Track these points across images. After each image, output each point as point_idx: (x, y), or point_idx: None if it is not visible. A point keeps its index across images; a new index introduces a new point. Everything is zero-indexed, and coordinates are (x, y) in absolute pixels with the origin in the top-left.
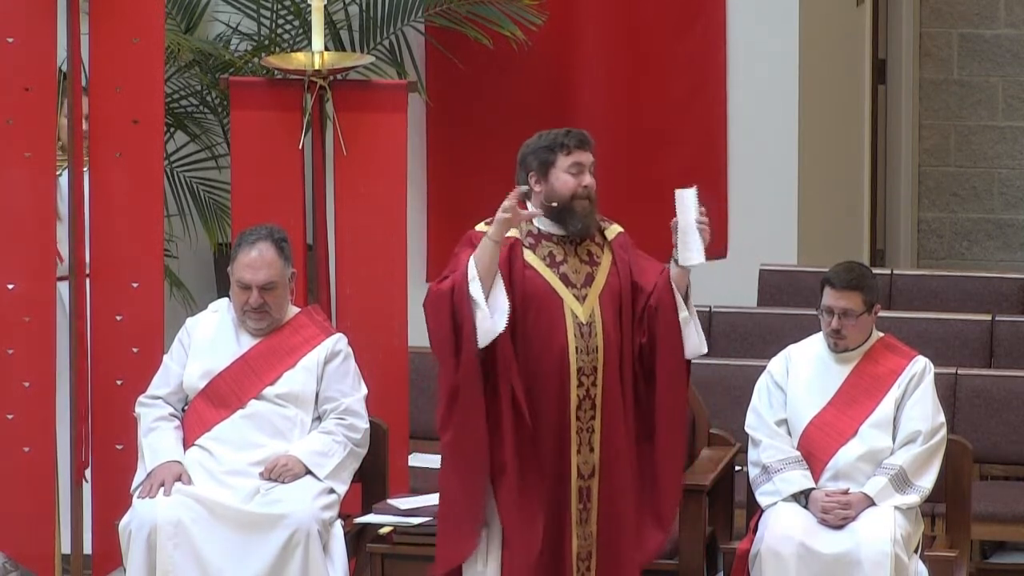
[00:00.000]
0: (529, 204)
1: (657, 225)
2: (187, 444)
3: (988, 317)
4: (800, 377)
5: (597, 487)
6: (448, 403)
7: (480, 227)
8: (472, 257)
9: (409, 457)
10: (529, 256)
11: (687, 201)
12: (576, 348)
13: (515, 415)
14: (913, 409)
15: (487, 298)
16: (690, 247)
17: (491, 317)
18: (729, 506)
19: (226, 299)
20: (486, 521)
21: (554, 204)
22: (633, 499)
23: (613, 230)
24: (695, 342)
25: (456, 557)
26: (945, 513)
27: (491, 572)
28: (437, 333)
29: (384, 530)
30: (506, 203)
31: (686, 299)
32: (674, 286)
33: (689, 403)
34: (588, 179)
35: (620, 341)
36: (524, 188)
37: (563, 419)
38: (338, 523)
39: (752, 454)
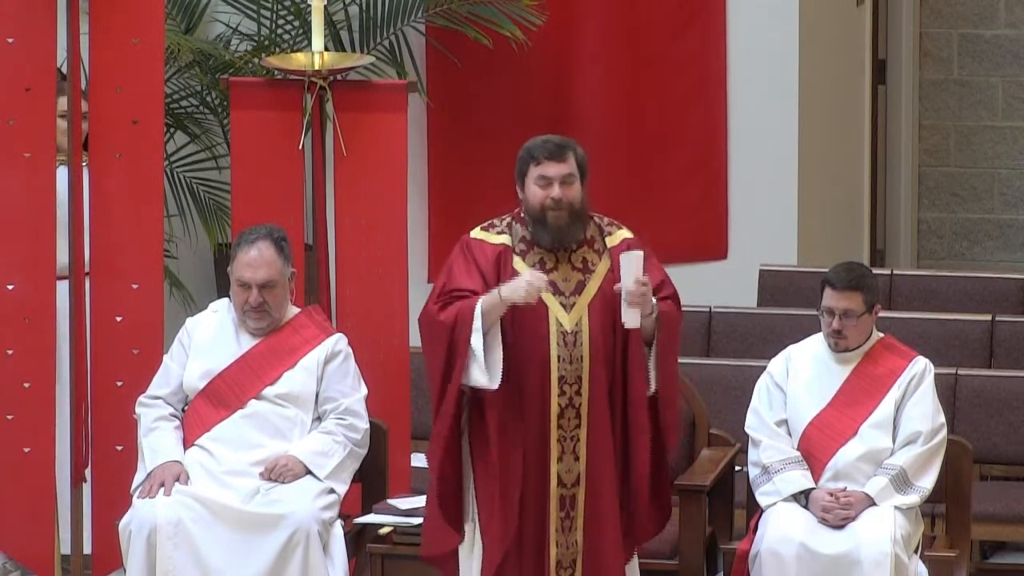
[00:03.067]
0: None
1: (657, 225)
2: (187, 444)
3: (988, 317)
4: (800, 378)
5: (583, 496)
6: (433, 413)
7: (476, 233)
8: (480, 305)
9: (410, 457)
10: (518, 263)
11: (626, 267)
12: (559, 357)
13: (498, 419)
14: (913, 410)
15: (486, 353)
16: (624, 311)
17: (486, 373)
18: (729, 506)
19: (226, 299)
20: (473, 518)
21: (523, 215)
22: (618, 508)
23: (617, 236)
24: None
25: (440, 548)
26: (945, 513)
27: (475, 567)
28: (430, 356)
29: (384, 530)
30: (537, 282)
31: (649, 342)
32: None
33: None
34: (556, 191)
35: (611, 350)
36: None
37: (544, 427)
38: (338, 523)
39: (752, 454)
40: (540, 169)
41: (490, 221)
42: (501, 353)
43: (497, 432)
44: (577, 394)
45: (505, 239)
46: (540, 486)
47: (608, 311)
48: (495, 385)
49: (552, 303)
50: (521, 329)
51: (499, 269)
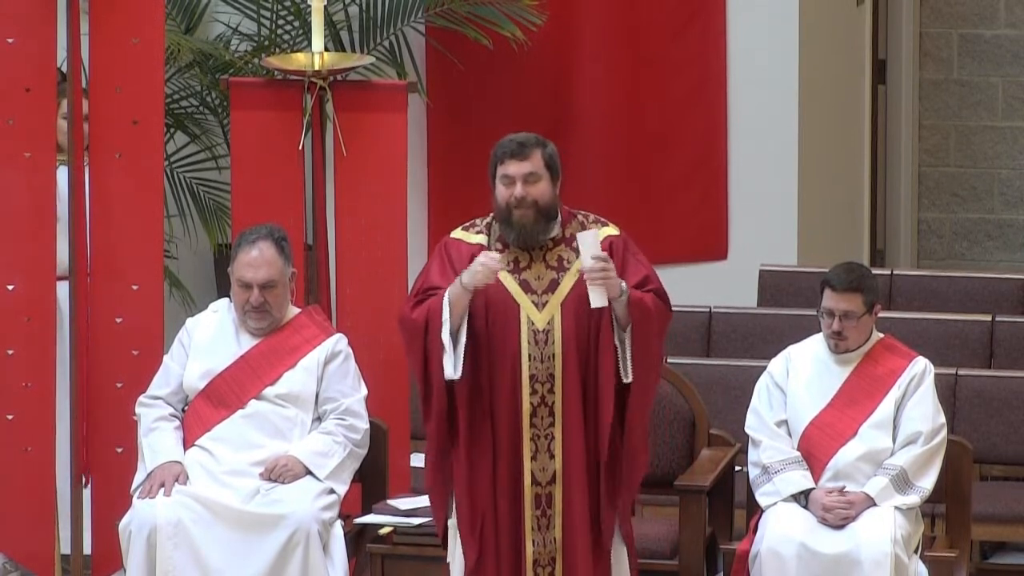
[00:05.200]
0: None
1: (657, 226)
2: (187, 444)
3: (988, 317)
4: (800, 378)
5: (560, 494)
6: (423, 407)
7: (456, 233)
8: (447, 299)
9: (410, 457)
10: None
11: (582, 246)
12: (529, 355)
13: (468, 418)
14: (914, 410)
15: (455, 343)
16: (589, 289)
17: (452, 364)
18: (729, 506)
19: (226, 299)
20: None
21: (494, 214)
22: (590, 506)
23: (602, 233)
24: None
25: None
26: (945, 513)
27: (458, 563)
28: (410, 357)
29: (384, 530)
30: (491, 263)
31: (624, 328)
32: (614, 313)
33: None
34: (519, 190)
35: (585, 349)
36: (497, 259)
37: (517, 426)
38: (338, 523)
39: (752, 454)
40: (503, 168)
41: (472, 221)
42: (464, 341)
43: (467, 430)
44: (550, 392)
45: (482, 239)
46: (514, 485)
47: (583, 309)
48: (457, 375)
49: (524, 301)
50: (492, 327)
51: None
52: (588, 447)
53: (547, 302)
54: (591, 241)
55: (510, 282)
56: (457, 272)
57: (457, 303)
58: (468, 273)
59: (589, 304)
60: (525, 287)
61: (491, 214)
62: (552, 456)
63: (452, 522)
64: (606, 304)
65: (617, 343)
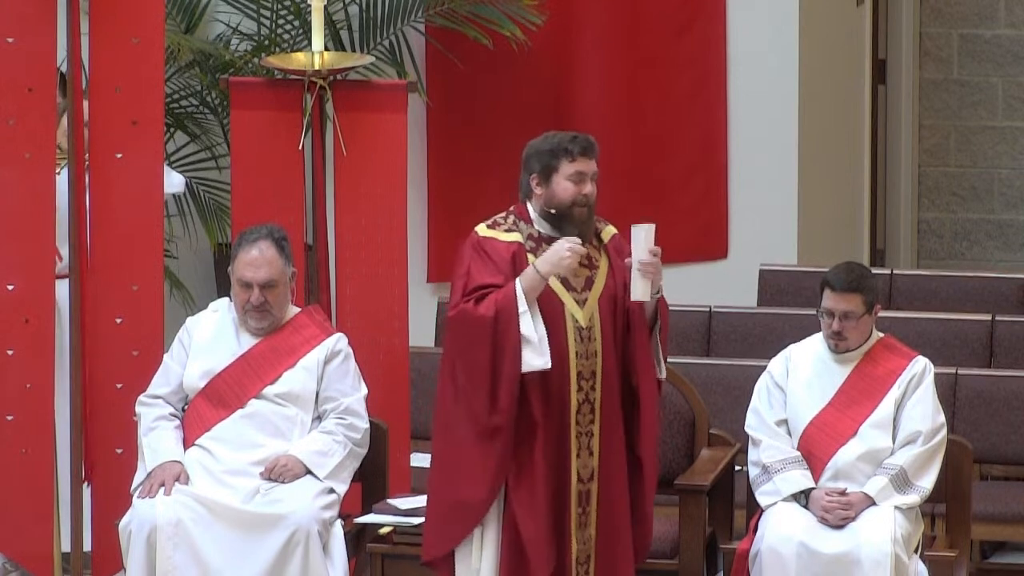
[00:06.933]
0: (530, 207)
1: (658, 225)
2: (187, 444)
3: (988, 317)
4: (800, 377)
5: (596, 491)
6: (482, 408)
7: (482, 230)
8: (520, 288)
9: (409, 457)
10: (531, 260)
11: (637, 238)
12: (576, 353)
13: (543, 418)
14: (914, 409)
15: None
16: (634, 284)
17: (542, 355)
18: (729, 506)
19: (226, 299)
20: (483, 520)
21: (552, 210)
22: (629, 503)
23: (608, 232)
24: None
25: (452, 542)
26: (945, 513)
27: (486, 568)
28: (471, 355)
29: (384, 530)
30: (578, 248)
31: (652, 325)
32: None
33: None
34: (589, 187)
35: (619, 345)
36: (580, 246)
37: (563, 423)
38: (338, 523)
39: (752, 454)
40: (577, 165)
41: (493, 218)
42: (544, 330)
43: (543, 432)
44: (592, 389)
45: (516, 236)
46: (560, 483)
47: (612, 306)
48: (549, 364)
49: (567, 299)
50: None
51: (515, 267)
52: (626, 444)
53: (586, 299)
54: (647, 234)
55: (552, 280)
56: (502, 270)
57: (531, 293)
58: (548, 262)
59: (621, 301)
60: (566, 284)
61: (508, 211)
62: (591, 453)
63: (478, 530)
64: (648, 298)
65: (650, 342)
